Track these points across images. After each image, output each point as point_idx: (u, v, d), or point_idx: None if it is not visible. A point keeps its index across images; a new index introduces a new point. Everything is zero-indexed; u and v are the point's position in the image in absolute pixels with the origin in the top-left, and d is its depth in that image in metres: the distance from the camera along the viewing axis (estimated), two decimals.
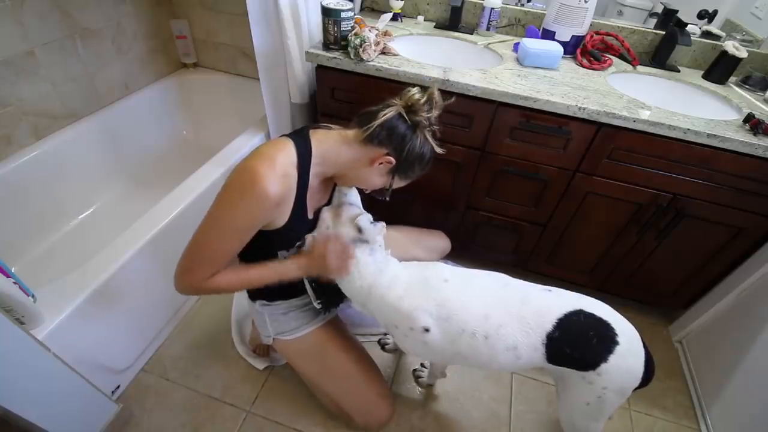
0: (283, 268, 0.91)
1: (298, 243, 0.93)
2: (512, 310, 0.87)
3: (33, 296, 0.93)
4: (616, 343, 0.83)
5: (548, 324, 0.84)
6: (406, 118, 0.84)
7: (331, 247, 0.89)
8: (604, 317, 0.86)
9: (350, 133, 0.88)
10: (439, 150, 0.89)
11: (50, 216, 1.55)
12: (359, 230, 0.91)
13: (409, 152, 0.85)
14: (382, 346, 1.44)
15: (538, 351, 0.85)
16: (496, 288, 0.92)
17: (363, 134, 0.85)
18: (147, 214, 1.24)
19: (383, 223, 0.94)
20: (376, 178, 0.91)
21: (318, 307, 1.04)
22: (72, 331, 0.99)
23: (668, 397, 1.40)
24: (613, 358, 0.83)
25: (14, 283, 0.86)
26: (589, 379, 0.85)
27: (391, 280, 0.91)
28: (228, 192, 0.81)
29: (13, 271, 0.89)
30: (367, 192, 0.98)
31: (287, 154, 0.83)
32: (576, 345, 0.84)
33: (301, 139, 0.86)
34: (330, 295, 0.99)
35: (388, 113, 0.84)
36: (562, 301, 0.88)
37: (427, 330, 0.88)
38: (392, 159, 0.86)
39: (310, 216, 0.95)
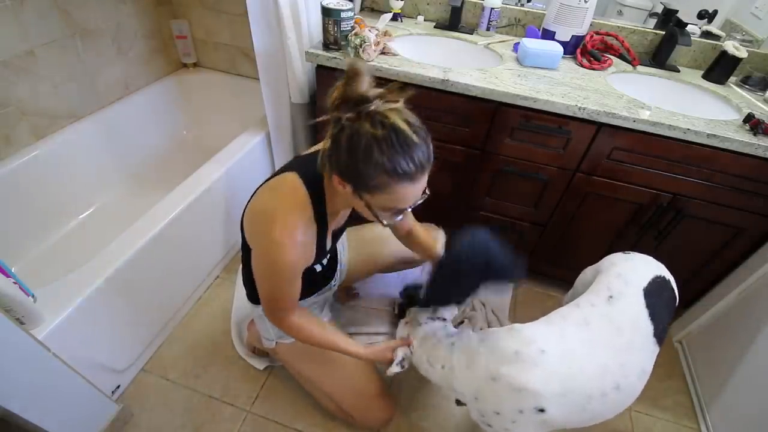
0: (355, 349, 0.99)
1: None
2: (616, 342, 0.81)
3: (33, 296, 0.93)
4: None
5: (647, 324, 0.84)
6: (335, 120, 0.68)
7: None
8: (665, 275, 0.96)
9: None
10: (407, 129, 0.65)
11: (50, 216, 1.54)
12: (433, 310, 1.00)
13: (347, 156, 0.67)
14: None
15: (654, 350, 0.85)
16: (586, 330, 0.83)
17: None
18: (147, 214, 1.24)
19: (455, 306, 1.03)
20: (355, 202, 0.76)
21: None
22: (72, 331, 0.99)
23: (668, 397, 1.40)
24: None
25: (14, 283, 0.86)
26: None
27: (472, 355, 0.85)
28: (259, 256, 0.85)
29: (13, 271, 0.89)
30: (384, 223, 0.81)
31: (304, 208, 0.81)
32: (665, 308, 0.90)
33: (315, 182, 0.81)
34: None
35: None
36: (636, 278, 0.91)
37: (542, 410, 0.77)
38: (336, 177, 0.72)
39: (328, 245, 0.98)
